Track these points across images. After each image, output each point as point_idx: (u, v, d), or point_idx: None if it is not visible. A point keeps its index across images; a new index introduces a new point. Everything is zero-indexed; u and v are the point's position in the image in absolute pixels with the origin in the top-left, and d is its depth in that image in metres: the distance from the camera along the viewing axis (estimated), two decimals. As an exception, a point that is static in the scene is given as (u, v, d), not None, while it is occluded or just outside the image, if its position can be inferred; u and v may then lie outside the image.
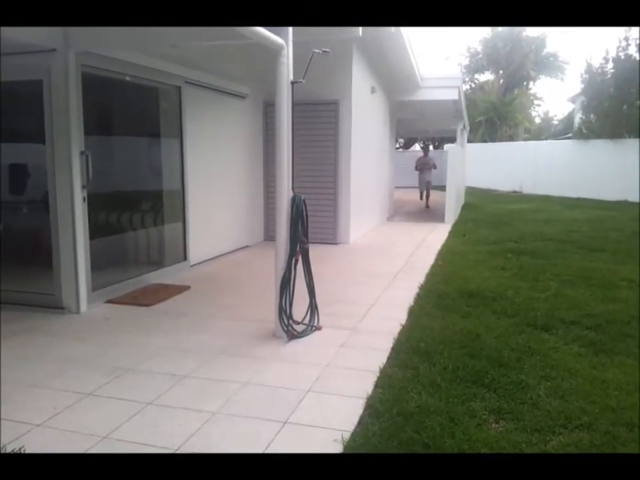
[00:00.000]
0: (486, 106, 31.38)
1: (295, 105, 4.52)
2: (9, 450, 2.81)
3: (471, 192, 21.40)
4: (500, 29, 34.66)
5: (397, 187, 16.57)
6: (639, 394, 3.50)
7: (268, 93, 8.87)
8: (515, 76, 35.78)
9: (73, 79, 5.07)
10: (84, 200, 5.29)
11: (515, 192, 23.34)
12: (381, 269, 7.45)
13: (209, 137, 7.71)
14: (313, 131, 9.12)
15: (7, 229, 5.68)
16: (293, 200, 4.55)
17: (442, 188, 14.06)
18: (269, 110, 9.24)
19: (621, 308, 5.42)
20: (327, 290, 5.66)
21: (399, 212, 15.48)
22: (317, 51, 4.74)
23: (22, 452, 2.79)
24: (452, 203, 12.94)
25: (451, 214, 12.89)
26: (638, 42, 20.29)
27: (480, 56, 37.83)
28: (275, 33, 4.22)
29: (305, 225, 4.63)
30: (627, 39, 20.74)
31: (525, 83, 37.00)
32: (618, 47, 21.11)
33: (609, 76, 21.46)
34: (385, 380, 3.68)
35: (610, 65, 21.54)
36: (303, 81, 4.59)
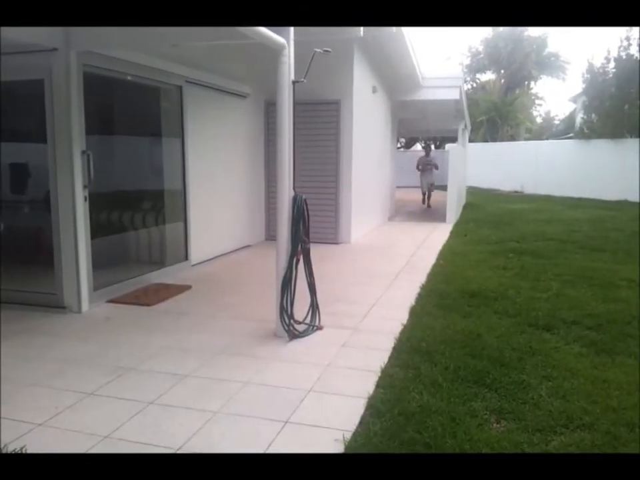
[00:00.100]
0: (487, 106, 31.36)
1: (296, 104, 4.53)
2: (10, 449, 2.81)
3: (472, 192, 21.39)
4: (501, 28, 34.66)
5: (398, 187, 16.55)
6: (641, 394, 3.50)
7: (269, 93, 8.86)
8: (517, 76, 35.76)
9: (74, 79, 5.07)
10: (85, 199, 5.29)
11: (516, 192, 23.32)
12: (383, 268, 7.44)
13: (210, 136, 7.71)
14: (314, 131, 9.12)
15: (9, 228, 5.68)
16: (294, 199, 4.55)
17: (443, 188, 14.05)
18: (270, 109, 9.23)
19: (621, 308, 5.42)
20: (328, 289, 5.66)
21: (400, 212, 15.47)
22: (319, 50, 4.74)
23: (23, 452, 2.79)
24: (453, 203, 12.93)
25: (452, 214, 12.88)
26: (639, 42, 20.29)
27: (481, 56, 37.81)
28: (277, 33, 4.22)
29: (306, 225, 4.63)
30: (628, 38, 20.73)
31: (526, 83, 36.97)
32: (619, 47, 21.10)
33: (611, 76, 21.43)
34: (387, 380, 3.68)
35: (611, 64, 21.51)
36: (305, 81, 4.59)
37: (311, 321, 4.79)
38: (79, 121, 5.15)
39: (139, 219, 6.82)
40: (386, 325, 4.88)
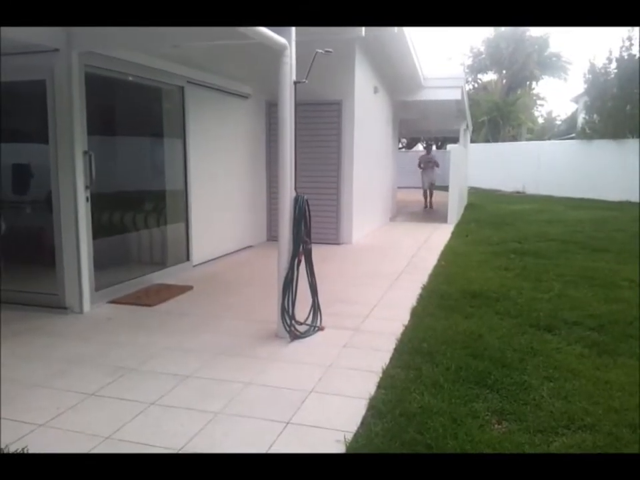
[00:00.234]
0: (489, 106, 31.34)
1: (297, 104, 4.53)
2: (12, 450, 2.81)
3: (474, 192, 21.39)
4: (503, 29, 34.66)
5: (399, 187, 16.56)
6: (642, 395, 3.50)
7: (271, 93, 8.86)
8: (518, 76, 35.76)
9: (76, 79, 5.08)
10: (87, 200, 5.29)
11: (517, 192, 23.30)
12: (384, 269, 7.44)
13: (212, 137, 7.71)
14: (315, 131, 9.12)
15: (10, 228, 5.69)
16: (296, 200, 4.55)
17: (445, 188, 14.04)
18: (271, 110, 9.23)
19: (623, 308, 5.41)
20: (330, 290, 5.66)
21: (401, 212, 15.47)
22: (320, 51, 4.74)
23: (25, 452, 2.80)
24: (455, 203, 12.92)
25: (454, 214, 12.87)
26: (640, 42, 20.30)
27: (483, 56, 37.81)
28: (278, 33, 4.22)
29: (308, 225, 4.63)
30: (630, 38, 20.72)
31: (528, 83, 36.98)
32: (621, 47, 21.08)
33: (612, 76, 21.41)
34: (388, 380, 3.68)
35: (613, 65, 21.49)
36: (306, 81, 4.59)
37: (313, 321, 4.79)
38: (81, 122, 5.16)
39: (140, 219, 6.82)
40: (387, 325, 4.88)
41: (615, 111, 20.44)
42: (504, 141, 29.91)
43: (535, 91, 37.80)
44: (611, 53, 21.74)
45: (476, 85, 38.19)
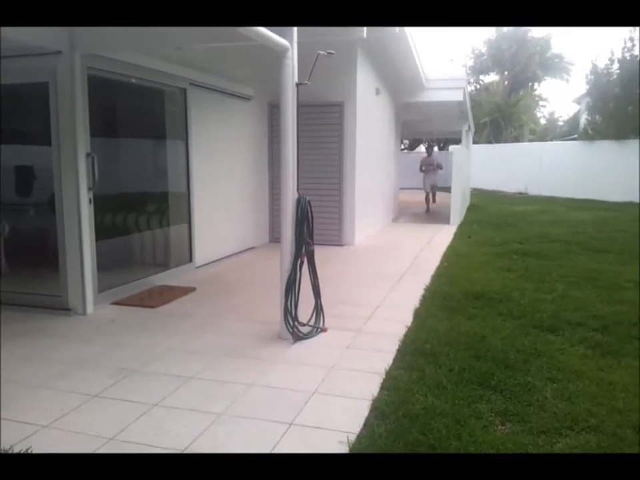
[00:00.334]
0: (491, 107, 31.33)
1: (299, 106, 4.53)
2: (16, 451, 2.81)
3: (476, 193, 21.38)
4: (505, 29, 34.68)
5: (402, 189, 16.54)
6: (646, 396, 3.49)
7: (273, 95, 8.87)
8: (520, 77, 35.75)
9: (79, 81, 5.09)
10: (90, 202, 5.30)
11: (520, 193, 23.28)
12: (386, 270, 7.44)
13: (214, 138, 7.72)
14: (317, 133, 9.12)
15: (14, 230, 5.71)
16: (298, 201, 4.55)
17: (447, 189, 14.03)
18: (273, 112, 9.24)
19: (627, 309, 5.40)
20: (332, 291, 5.66)
21: (404, 213, 15.46)
22: (322, 52, 4.75)
23: (29, 453, 2.80)
24: (457, 205, 12.91)
25: (456, 215, 12.85)
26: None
27: (485, 57, 37.81)
28: (280, 35, 4.22)
29: (310, 227, 4.63)
30: (632, 39, 20.70)
31: (530, 84, 36.96)
32: (623, 48, 21.08)
33: (614, 77, 21.40)
34: (391, 382, 3.68)
35: (615, 65, 21.49)
36: (308, 83, 4.59)
37: (315, 322, 4.79)
38: (84, 124, 5.17)
39: (143, 221, 6.83)
40: (390, 326, 4.88)
41: (617, 112, 20.42)
42: (506, 142, 29.89)
43: (537, 92, 37.80)
44: (612, 53, 21.77)
45: (478, 86, 38.18)
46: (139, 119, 6.77)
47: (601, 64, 22.30)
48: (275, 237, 9.45)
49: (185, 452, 2.86)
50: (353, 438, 2.96)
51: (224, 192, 8.11)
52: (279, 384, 3.71)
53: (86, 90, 5.19)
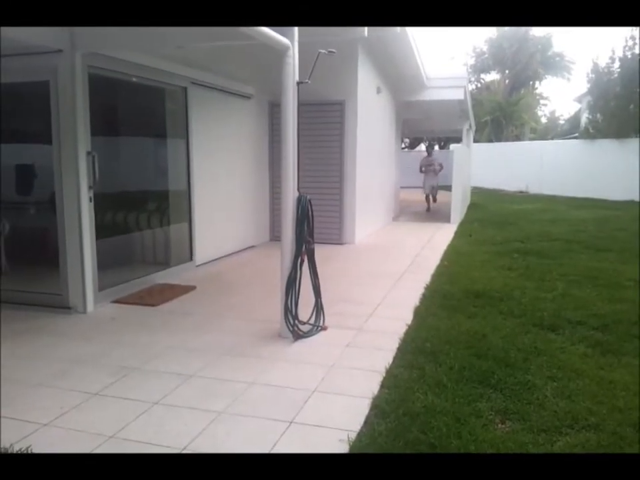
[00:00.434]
0: (492, 106, 31.31)
1: (300, 105, 4.53)
2: (16, 449, 2.82)
3: (477, 192, 21.37)
4: (506, 28, 34.61)
5: (402, 187, 16.53)
6: (647, 394, 3.49)
7: (273, 94, 8.88)
8: (521, 76, 35.72)
9: (80, 80, 5.09)
10: (90, 200, 5.30)
11: (521, 192, 23.27)
12: (387, 269, 7.44)
13: (215, 137, 7.72)
14: (318, 131, 9.12)
15: (14, 229, 5.71)
16: (299, 200, 4.55)
17: (448, 188, 14.03)
18: (274, 110, 9.24)
19: (627, 308, 5.40)
20: (333, 290, 5.66)
21: (404, 212, 15.46)
22: (323, 51, 4.74)
23: (29, 451, 2.80)
24: (458, 203, 12.90)
25: (457, 214, 12.85)
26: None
27: (486, 56, 37.79)
28: (281, 34, 4.22)
29: (311, 225, 4.63)
30: (633, 38, 20.66)
31: (531, 83, 36.93)
32: (624, 47, 21.06)
33: (616, 75, 21.38)
34: (391, 380, 3.68)
35: (616, 64, 21.46)
36: (309, 82, 4.59)
37: (316, 321, 4.79)
38: (84, 122, 5.17)
39: (143, 219, 6.83)
40: (390, 325, 4.88)
41: (618, 111, 20.39)
42: (507, 140, 29.86)
43: (538, 91, 37.77)
44: (614, 52, 21.79)
45: (479, 85, 38.17)
46: (139, 117, 6.77)
47: (602, 62, 22.34)
48: (275, 236, 9.45)
49: (185, 450, 2.86)
50: (353, 436, 2.96)
51: (224, 190, 8.11)
52: (279, 382, 3.71)
53: (87, 88, 5.19)
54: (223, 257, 8.03)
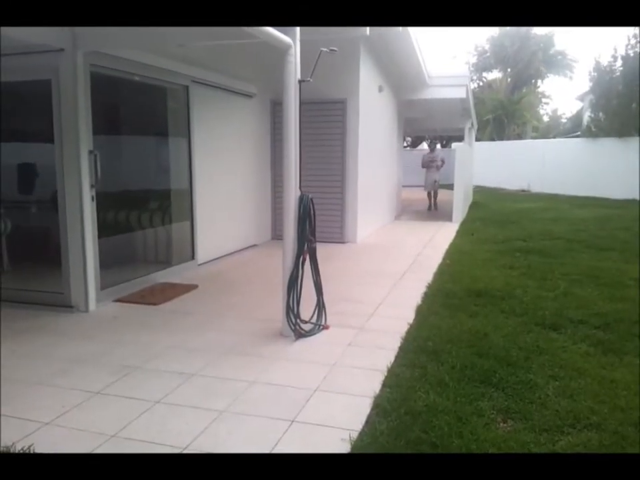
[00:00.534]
0: (494, 104, 31.28)
1: (302, 103, 4.52)
2: (17, 449, 2.82)
3: (479, 190, 21.35)
4: (507, 27, 34.55)
5: (404, 186, 16.51)
6: (648, 394, 3.48)
7: (275, 92, 8.87)
8: (523, 74, 35.67)
9: (82, 79, 5.09)
10: (92, 199, 5.31)
11: (523, 190, 23.24)
12: (389, 267, 7.44)
13: (217, 136, 7.72)
14: (320, 130, 9.12)
15: (16, 228, 5.72)
16: (301, 199, 4.55)
17: (450, 187, 14.02)
18: (276, 109, 9.24)
19: (629, 307, 5.39)
20: (335, 289, 5.66)
21: (406, 211, 15.45)
22: (325, 49, 4.74)
23: (31, 450, 2.81)
24: (460, 202, 12.90)
25: (459, 213, 12.85)
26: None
27: (488, 54, 37.76)
28: (283, 32, 4.21)
29: (313, 224, 4.63)
30: (635, 36, 20.60)
31: (533, 81, 36.88)
32: (627, 45, 20.98)
33: (618, 74, 21.32)
34: (393, 379, 3.68)
35: (619, 62, 21.39)
36: (311, 80, 4.59)
37: (317, 320, 4.79)
38: (86, 121, 5.17)
39: (145, 218, 6.84)
40: (392, 324, 4.88)
41: (620, 109, 20.33)
42: (509, 139, 29.82)
43: (540, 89, 37.73)
44: (616, 50, 21.66)
45: (481, 83, 38.14)
46: (141, 116, 6.78)
47: (604, 61, 22.24)
48: (277, 235, 9.45)
49: (186, 449, 2.86)
50: (354, 435, 2.96)
51: (226, 189, 8.11)
52: (281, 381, 3.71)
53: (88, 87, 5.19)
54: (224, 256, 8.03)
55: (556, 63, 36.95)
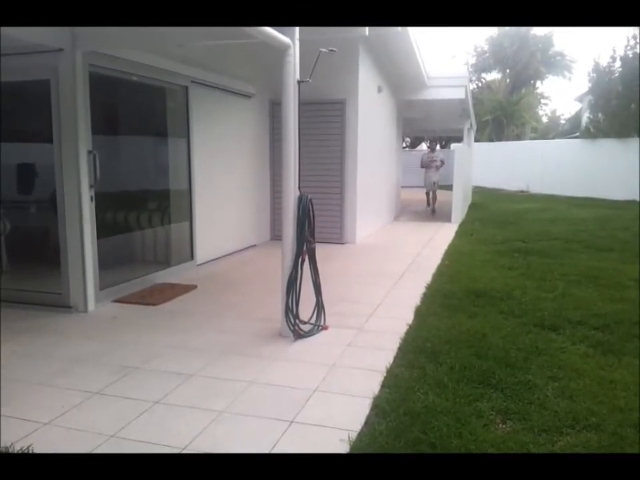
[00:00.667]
0: (493, 105, 31.28)
1: (301, 104, 4.52)
2: (16, 449, 2.82)
3: (478, 191, 21.36)
4: (507, 27, 34.57)
5: (403, 187, 16.52)
6: (647, 394, 3.49)
7: (274, 92, 8.88)
8: (522, 75, 35.68)
9: (81, 79, 5.09)
10: (91, 199, 5.30)
11: (521, 191, 23.25)
12: (388, 268, 7.44)
13: (216, 136, 7.72)
14: (319, 130, 9.11)
15: (15, 228, 5.71)
16: (300, 199, 4.55)
17: (449, 187, 14.02)
18: (275, 109, 9.23)
19: (628, 308, 5.39)
20: (334, 289, 5.66)
21: (405, 211, 15.45)
22: (324, 50, 4.74)
23: (30, 450, 2.80)
24: (459, 203, 12.90)
25: (458, 213, 12.85)
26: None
27: (487, 55, 37.76)
28: (282, 32, 4.21)
29: (312, 225, 4.63)
30: (635, 37, 20.62)
31: (532, 82, 36.89)
32: (626, 46, 21.01)
33: (617, 75, 21.33)
34: (392, 380, 3.68)
35: (617, 63, 21.41)
36: (310, 80, 4.59)
37: (316, 320, 4.78)
38: (85, 121, 5.17)
39: (144, 218, 6.83)
40: (391, 324, 4.88)
41: (619, 110, 20.35)
42: (508, 140, 29.83)
43: (539, 90, 37.72)
44: (615, 51, 21.70)
45: (480, 84, 38.13)
46: (140, 116, 6.77)
47: (603, 62, 22.29)
48: (276, 235, 9.45)
49: (185, 449, 2.86)
50: (353, 436, 2.96)
51: (225, 189, 8.11)
52: (280, 382, 3.71)
53: (87, 87, 5.18)
54: (223, 256, 8.03)
55: (555, 64, 36.97)
